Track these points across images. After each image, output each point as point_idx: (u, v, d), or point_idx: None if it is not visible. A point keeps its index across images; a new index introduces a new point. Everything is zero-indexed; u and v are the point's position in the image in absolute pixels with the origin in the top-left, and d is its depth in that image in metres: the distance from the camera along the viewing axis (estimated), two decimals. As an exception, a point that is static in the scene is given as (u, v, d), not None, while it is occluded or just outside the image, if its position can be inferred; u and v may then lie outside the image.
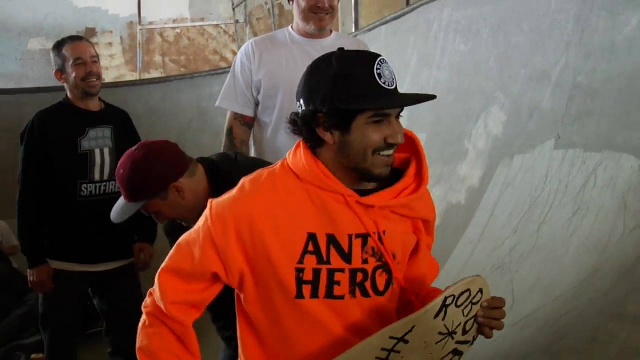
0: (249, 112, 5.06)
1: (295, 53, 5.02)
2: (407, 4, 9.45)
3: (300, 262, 2.47)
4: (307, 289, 2.50)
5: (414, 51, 8.73)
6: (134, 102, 8.93)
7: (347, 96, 2.38)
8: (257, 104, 5.05)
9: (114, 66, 17.25)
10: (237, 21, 16.17)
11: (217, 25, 17.94)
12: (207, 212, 2.56)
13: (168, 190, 3.57)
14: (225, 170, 3.74)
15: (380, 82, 2.39)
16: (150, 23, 17.52)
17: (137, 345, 2.67)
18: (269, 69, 4.98)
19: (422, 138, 7.29)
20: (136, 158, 3.56)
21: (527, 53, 6.45)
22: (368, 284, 2.57)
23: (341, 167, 2.49)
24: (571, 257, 5.00)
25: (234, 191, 2.58)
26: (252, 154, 5.19)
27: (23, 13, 16.40)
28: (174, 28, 18.01)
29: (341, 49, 2.53)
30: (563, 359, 4.55)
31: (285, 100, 4.89)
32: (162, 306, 2.61)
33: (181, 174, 3.62)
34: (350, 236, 2.51)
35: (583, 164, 5.36)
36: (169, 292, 2.59)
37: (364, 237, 2.54)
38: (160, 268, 2.63)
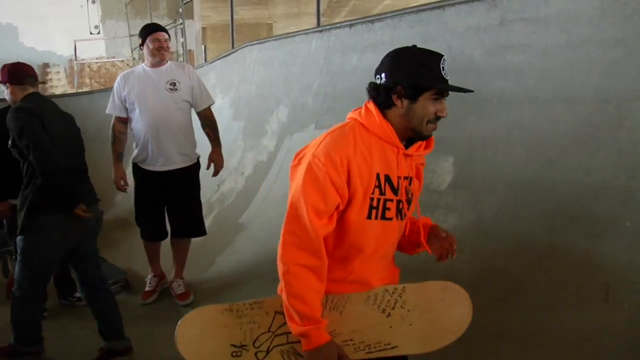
0: (123, 114, 5.97)
1: (144, 77, 5.92)
2: (232, 47, 10.40)
3: (372, 193, 2.49)
4: (373, 213, 2.52)
5: (236, 74, 9.60)
6: (73, 106, 9.25)
7: (424, 76, 2.45)
8: (127, 109, 5.94)
9: (60, 85, 22.67)
10: (134, 58, 19.85)
11: (122, 61, 22.22)
12: (315, 160, 2.43)
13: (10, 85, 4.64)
14: (26, 103, 4.61)
15: (443, 73, 2.47)
16: (82, 59, 22.82)
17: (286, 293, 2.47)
18: (129, 88, 5.89)
19: (241, 125, 8.96)
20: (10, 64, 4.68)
21: (299, 76, 7.47)
22: (403, 211, 2.61)
23: (400, 127, 2.52)
24: None
25: (326, 140, 2.49)
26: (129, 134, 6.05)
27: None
28: (97, 62, 23.04)
29: (415, 46, 2.58)
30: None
31: (140, 105, 5.86)
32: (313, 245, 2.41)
33: (16, 83, 4.67)
34: (398, 177, 2.56)
35: None
36: (320, 230, 2.42)
37: (405, 178, 2.59)
38: (307, 212, 2.39)
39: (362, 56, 6.33)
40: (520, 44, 4.43)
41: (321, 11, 17.90)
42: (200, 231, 6.31)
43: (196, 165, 6.18)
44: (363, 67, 6.30)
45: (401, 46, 2.61)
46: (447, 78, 2.50)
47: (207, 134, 6.25)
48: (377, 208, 2.54)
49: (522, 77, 4.32)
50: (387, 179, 2.54)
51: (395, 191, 2.57)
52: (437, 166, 4.76)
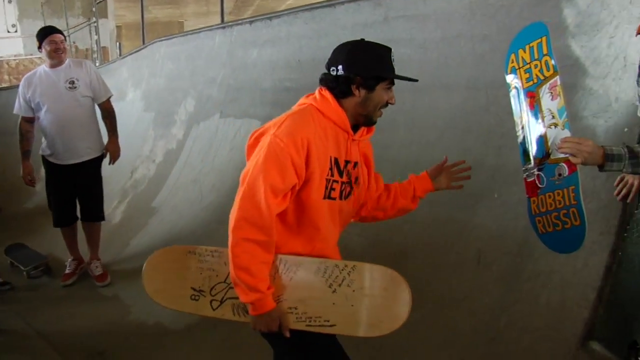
0: (29, 114, 5.85)
1: (44, 78, 5.78)
2: (143, 43, 10.30)
3: (327, 175, 2.44)
4: (326, 193, 2.47)
5: (147, 69, 9.47)
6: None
7: (382, 68, 2.44)
8: (32, 109, 5.79)
9: (-18, 81, 21.60)
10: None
11: (40, 57, 20.15)
12: (275, 139, 2.33)
13: None
14: None
15: (393, 64, 2.48)
16: (1, 57, 22.08)
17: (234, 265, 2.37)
18: (33, 90, 5.76)
19: (152, 116, 8.88)
20: None
21: (204, 69, 7.50)
22: (344, 193, 2.55)
23: (353, 114, 2.48)
24: (229, 174, 6.14)
25: (287, 122, 2.39)
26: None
27: None
28: (15, 59, 22.38)
29: (363, 39, 2.55)
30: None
31: (44, 105, 5.72)
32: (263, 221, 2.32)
33: None
34: (346, 161, 2.52)
35: (233, 125, 6.62)
36: (273, 207, 2.34)
37: (350, 162, 2.55)
38: (264, 190, 2.30)
39: (262, 50, 6.38)
40: (402, 38, 4.53)
41: (228, 10, 17.68)
42: (100, 217, 6.22)
43: (101, 157, 6.06)
44: (263, 60, 6.36)
45: (349, 40, 2.57)
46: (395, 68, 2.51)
47: (106, 124, 6.12)
48: (327, 189, 2.50)
49: (405, 68, 4.31)
50: (336, 161, 2.50)
51: (340, 173, 2.53)
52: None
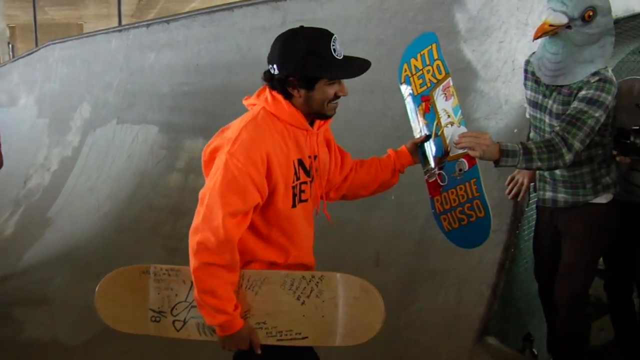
0: None
1: None
2: (36, 45, 10.15)
3: (293, 182, 2.28)
4: (296, 200, 2.30)
5: (40, 73, 9.28)
6: None
7: (313, 67, 2.18)
8: None
9: None
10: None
11: None
12: (232, 159, 2.14)
13: None
14: None
15: (335, 56, 2.18)
16: None
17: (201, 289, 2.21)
18: None
19: (46, 122, 8.49)
20: None
21: (101, 73, 7.31)
22: (314, 188, 2.40)
23: (304, 111, 2.27)
24: (126, 181, 6.12)
25: (242, 137, 2.18)
26: None
27: None
28: None
29: (302, 27, 2.27)
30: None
31: None
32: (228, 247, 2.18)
33: None
34: (309, 157, 2.35)
35: (131, 131, 6.52)
36: (233, 231, 2.18)
37: (312, 157, 2.36)
38: (222, 216, 2.13)
39: (160, 54, 6.28)
40: (300, 42, 4.53)
41: (129, 12, 17.18)
42: None
43: None
44: (160, 65, 6.26)
45: (285, 30, 2.28)
46: (340, 58, 2.20)
47: None
48: (297, 195, 2.32)
49: None
50: (301, 162, 2.32)
51: (307, 172, 2.35)
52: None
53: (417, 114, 2.67)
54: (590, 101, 2.52)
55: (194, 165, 5.50)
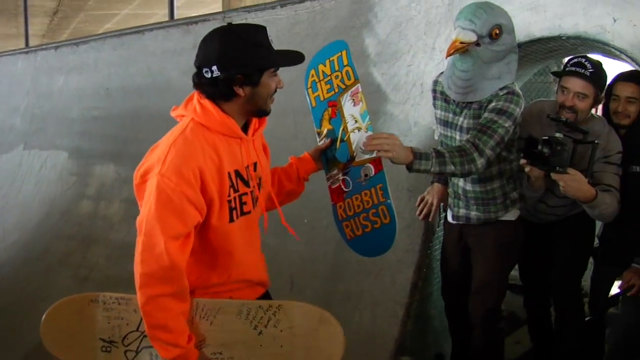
0: None
1: None
2: None
3: (229, 195, 2.15)
4: (234, 214, 2.18)
5: None
6: None
7: (260, 59, 2.10)
8: None
9: None
10: None
11: None
12: (164, 180, 2.00)
13: None
14: None
15: (273, 46, 2.13)
16: None
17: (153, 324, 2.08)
18: None
19: None
20: None
21: (6, 97, 7.10)
22: (255, 196, 2.27)
23: (242, 114, 2.17)
24: (35, 209, 6.00)
25: (171, 155, 2.03)
26: None
27: None
28: None
29: (231, 24, 2.20)
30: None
31: None
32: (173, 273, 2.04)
33: None
34: (246, 167, 2.22)
35: (39, 157, 6.35)
36: (177, 256, 2.05)
37: (251, 165, 2.25)
38: (164, 241, 1.99)
39: (69, 77, 6.14)
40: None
41: (41, 32, 16.63)
42: None
43: None
44: (70, 88, 6.12)
45: (212, 30, 2.14)
46: (276, 48, 2.14)
47: None
48: (235, 208, 2.19)
49: None
50: (238, 174, 2.18)
51: (246, 183, 2.22)
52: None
53: (321, 118, 2.66)
54: (500, 112, 2.61)
55: (105, 192, 5.37)
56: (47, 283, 5.19)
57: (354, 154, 2.51)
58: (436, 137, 3.05)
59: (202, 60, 2.08)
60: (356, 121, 2.53)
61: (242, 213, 2.21)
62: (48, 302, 4.79)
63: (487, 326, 2.93)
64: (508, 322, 3.97)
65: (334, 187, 2.60)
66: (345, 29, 3.96)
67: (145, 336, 2.24)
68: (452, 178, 2.90)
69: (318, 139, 2.63)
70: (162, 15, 14.29)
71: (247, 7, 4.62)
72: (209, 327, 2.24)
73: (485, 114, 2.63)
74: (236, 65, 2.06)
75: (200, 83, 2.10)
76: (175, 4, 7.22)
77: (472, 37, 2.55)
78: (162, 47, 4.96)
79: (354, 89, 2.56)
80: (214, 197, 2.11)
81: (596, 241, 3.37)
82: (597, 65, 2.86)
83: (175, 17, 6.37)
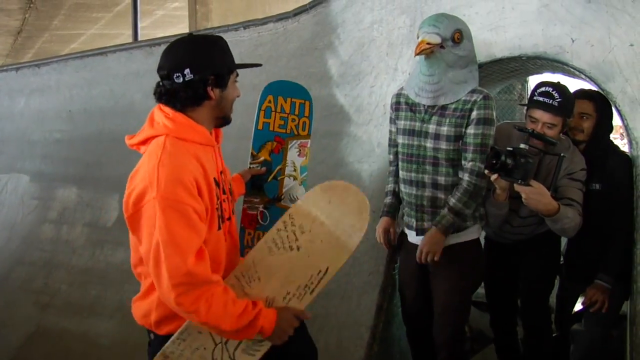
0: None
1: None
2: None
3: (217, 203, 2.16)
4: (219, 221, 2.18)
5: None
6: None
7: (227, 63, 2.17)
8: None
9: None
10: None
11: None
12: (166, 200, 1.96)
13: None
14: None
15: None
16: None
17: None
18: None
19: None
20: None
21: None
22: (229, 202, 2.30)
23: (210, 120, 2.21)
24: None
25: (165, 172, 2.00)
26: None
27: None
28: None
29: (191, 34, 2.38)
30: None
31: None
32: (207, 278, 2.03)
33: None
34: (221, 173, 2.25)
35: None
36: (202, 267, 2.03)
37: (220, 172, 2.25)
38: (187, 262, 1.96)
39: (30, 99, 6.01)
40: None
41: (4, 52, 16.39)
42: None
43: None
44: (31, 110, 5.99)
45: (175, 40, 2.21)
46: None
47: None
48: (221, 215, 2.20)
49: None
50: (216, 181, 2.18)
51: (223, 190, 2.24)
52: (104, 203, 4.61)
53: (261, 144, 2.75)
54: (487, 122, 2.75)
55: (67, 216, 5.27)
56: (8, 310, 5.07)
57: (282, 196, 2.62)
58: (391, 157, 3.06)
59: (172, 66, 2.11)
60: (295, 170, 2.67)
61: (224, 220, 2.22)
62: (9, 329, 4.76)
63: (452, 349, 2.92)
64: (475, 340, 3.97)
65: (249, 212, 2.68)
66: (308, 51, 3.97)
67: (226, 343, 2.24)
68: (411, 189, 2.92)
69: (250, 160, 2.71)
70: (128, 35, 14.22)
71: (211, 28, 4.61)
72: (261, 284, 2.24)
73: (473, 129, 2.75)
74: (208, 66, 2.12)
75: (172, 89, 2.11)
76: (140, 24, 7.22)
77: (437, 39, 2.67)
78: (126, 69, 4.93)
79: (304, 141, 2.71)
80: (208, 206, 2.10)
81: (562, 259, 3.40)
82: (564, 93, 2.87)
83: (140, 38, 6.36)
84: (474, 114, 2.73)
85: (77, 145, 5.37)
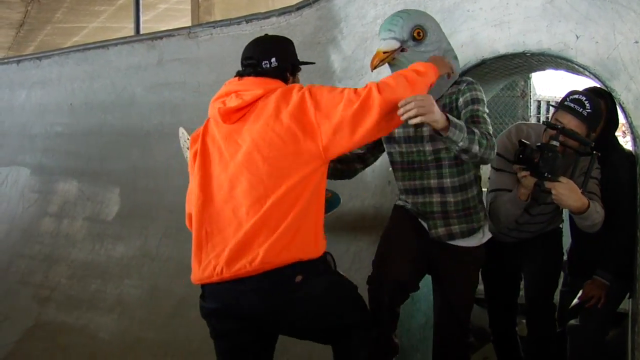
0: None
1: None
2: None
3: None
4: None
5: None
6: None
7: (297, 58, 2.61)
8: None
9: None
10: None
11: None
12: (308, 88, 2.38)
13: None
14: None
15: None
16: None
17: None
18: None
19: None
20: None
21: None
22: None
23: None
24: None
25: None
26: None
27: None
28: None
29: (266, 34, 2.71)
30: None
31: None
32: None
33: None
34: None
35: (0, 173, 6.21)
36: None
37: None
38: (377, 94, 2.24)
39: (31, 92, 6.00)
40: (177, 81, 4.53)
41: (7, 45, 16.39)
42: None
43: None
44: (32, 103, 5.98)
45: (262, 36, 2.68)
46: None
47: None
48: None
49: (178, 112, 4.41)
50: None
51: None
52: (104, 197, 4.63)
53: None
54: (474, 101, 2.64)
55: (68, 210, 5.28)
56: (7, 303, 5.09)
57: None
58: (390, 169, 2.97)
59: (261, 55, 2.52)
60: None
61: None
62: (8, 323, 4.77)
63: (457, 347, 2.88)
64: (475, 337, 3.97)
65: None
66: (311, 45, 3.96)
67: None
68: (417, 197, 2.80)
69: None
70: (130, 29, 14.19)
71: (213, 22, 4.61)
72: None
73: (463, 110, 2.63)
74: (288, 57, 2.57)
75: (263, 71, 2.50)
76: (143, 17, 7.20)
77: (394, 45, 2.56)
78: (127, 62, 4.93)
79: None
80: None
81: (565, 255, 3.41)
82: (596, 106, 2.87)
83: (142, 31, 6.35)
84: (461, 100, 2.66)
85: (78, 139, 5.37)
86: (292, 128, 2.30)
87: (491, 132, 2.56)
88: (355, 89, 2.33)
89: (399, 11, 2.69)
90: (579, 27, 3.08)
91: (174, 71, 4.55)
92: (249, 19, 4.29)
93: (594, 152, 2.71)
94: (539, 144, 2.68)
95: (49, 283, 4.95)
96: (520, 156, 2.66)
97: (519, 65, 3.58)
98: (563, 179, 2.62)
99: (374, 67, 2.61)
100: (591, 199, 2.75)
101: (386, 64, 2.67)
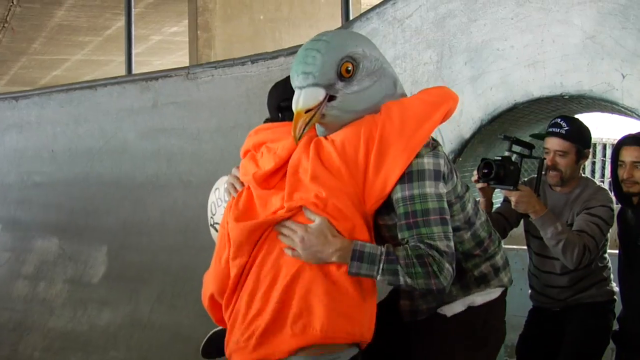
0: None
1: None
2: None
3: None
4: None
5: None
6: None
7: None
8: None
9: None
10: None
11: None
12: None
13: None
14: None
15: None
16: None
17: None
18: None
19: None
20: None
21: None
22: None
23: None
24: None
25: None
26: None
27: None
28: None
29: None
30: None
31: None
32: None
33: None
34: None
35: None
36: None
37: None
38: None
39: (5, 136, 6.22)
40: (174, 127, 4.70)
41: (-26, 80, 16.37)
42: None
43: None
44: (6, 149, 6.19)
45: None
46: None
47: None
48: None
49: (176, 161, 4.55)
50: None
51: None
52: (89, 257, 4.75)
53: None
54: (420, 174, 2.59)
55: (46, 271, 5.40)
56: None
57: None
58: None
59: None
60: None
61: None
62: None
63: None
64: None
65: None
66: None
67: None
68: None
69: None
70: (119, 62, 14.46)
71: (214, 62, 4.83)
72: None
73: (399, 194, 2.00)
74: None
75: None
76: (134, 51, 7.27)
77: (318, 95, 1.98)
78: (118, 105, 5.11)
79: None
80: None
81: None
82: (574, 123, 3.13)
83: (134, 68, 6.50)
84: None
85: (59, 190, 5.52)
86: None
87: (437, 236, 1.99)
88: None
89: (312, 40, 2.09)
90: (625, 64, 3.15)
91: (171, 115, 4.71)
92: (254, 59, 4.45)
93: (542, 157, 3.08)
94: (499, 158, 3.03)
95: (18, 357, 4.99)
96: (485, 171, 3.00)
97: (556, 109, 3.67)
98: (522, 188, 2.99)
99: (298, 138, 2.00)
100: (578, 234, 3.02)
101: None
